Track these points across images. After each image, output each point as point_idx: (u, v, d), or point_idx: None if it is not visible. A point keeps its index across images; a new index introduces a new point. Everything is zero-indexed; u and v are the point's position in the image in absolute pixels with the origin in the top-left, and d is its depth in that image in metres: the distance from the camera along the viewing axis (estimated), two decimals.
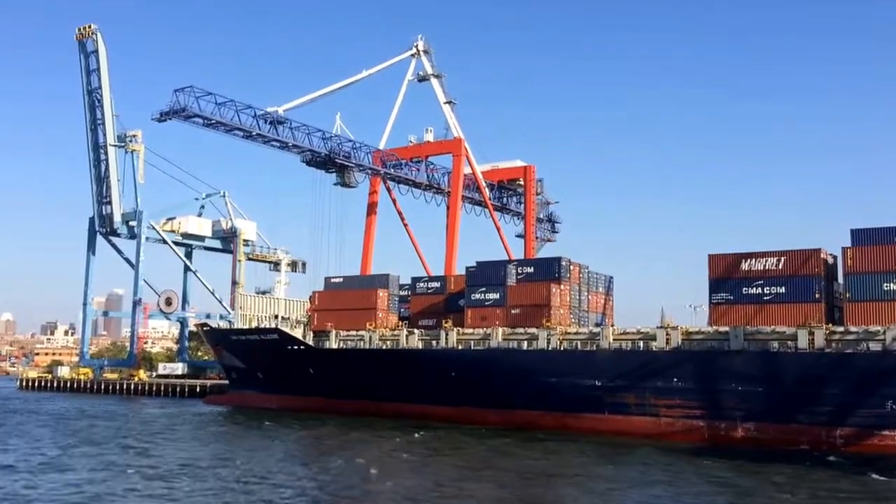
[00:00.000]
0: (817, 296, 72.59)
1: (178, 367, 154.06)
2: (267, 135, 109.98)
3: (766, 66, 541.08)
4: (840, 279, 75.41)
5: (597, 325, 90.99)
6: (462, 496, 44.76)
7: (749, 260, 75.78)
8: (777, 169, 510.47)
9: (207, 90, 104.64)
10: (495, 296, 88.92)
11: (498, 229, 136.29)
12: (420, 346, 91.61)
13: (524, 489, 47.51)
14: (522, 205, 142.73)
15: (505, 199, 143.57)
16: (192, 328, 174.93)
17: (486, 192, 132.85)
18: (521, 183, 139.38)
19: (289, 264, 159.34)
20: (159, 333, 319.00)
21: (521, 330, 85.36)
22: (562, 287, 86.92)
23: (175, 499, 42.69)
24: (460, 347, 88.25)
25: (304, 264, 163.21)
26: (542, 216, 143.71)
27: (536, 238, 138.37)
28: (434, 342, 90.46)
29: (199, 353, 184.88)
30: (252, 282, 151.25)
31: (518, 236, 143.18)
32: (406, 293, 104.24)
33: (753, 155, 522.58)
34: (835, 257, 75.35)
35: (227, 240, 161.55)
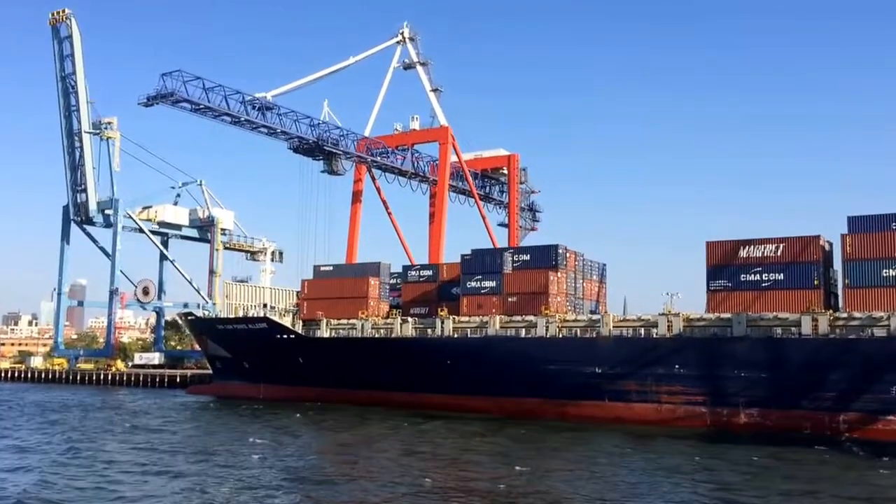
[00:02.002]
0: (816, 282, 72.74)
1: (155, 357, 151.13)
2: (255, 121, 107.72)
3: (762, 48, 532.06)
4: (836, 266, 75.87)
5: (592, 312, 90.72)
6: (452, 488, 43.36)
7: (747, 247, 75.75)
8: (770, 154, 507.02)
9: (195, 74, 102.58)
10: (491, 284, 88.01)
11: (483, 218, 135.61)
12: (415, 334, 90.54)
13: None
14: (505, 194, 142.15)
15: (488, 188, 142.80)
16: (168, 318, 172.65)
17: (472, 180, 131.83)
18: (505, 172, 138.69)
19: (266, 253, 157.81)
20: (126, 323, 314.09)
21: (518, 317, 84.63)
22: (559, 275, 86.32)
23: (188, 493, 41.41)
24: (456, 336, 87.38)
25: (280, 253, 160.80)
26: (523, 205, 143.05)
27: (520, 227, 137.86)
28: (429, 330, 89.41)
29: (172, 343, 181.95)
30: (229, 271, 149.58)
31: (500, 225, 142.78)
32: (395, 281, 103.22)
33: (748, 143, 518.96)
34: (830, 244, 75.65)
35: (203, 229, 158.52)
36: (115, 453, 53.65)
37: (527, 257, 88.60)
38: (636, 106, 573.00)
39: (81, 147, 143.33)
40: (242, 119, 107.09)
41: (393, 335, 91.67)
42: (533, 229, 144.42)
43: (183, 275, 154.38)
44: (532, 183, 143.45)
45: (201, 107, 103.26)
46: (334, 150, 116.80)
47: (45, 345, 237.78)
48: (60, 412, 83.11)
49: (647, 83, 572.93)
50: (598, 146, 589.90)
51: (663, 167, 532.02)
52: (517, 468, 48.30)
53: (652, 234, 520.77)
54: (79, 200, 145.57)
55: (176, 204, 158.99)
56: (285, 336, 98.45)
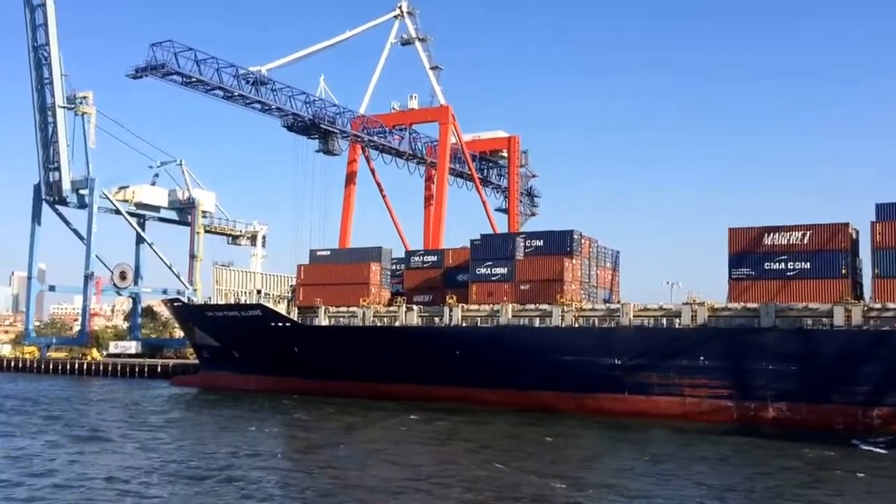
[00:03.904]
0: (844, 272, 73.03)
1: (132, 346, 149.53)
2: (249, 96, 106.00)
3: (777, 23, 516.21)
4: (861, 255, 76.26)
5: (605, 301, 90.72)
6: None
7: (772, 234, 75.86)
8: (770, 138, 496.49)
9: (186, 45, 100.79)
10: (502, 270, 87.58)
11: (484, 203, 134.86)
12: (421, 322, 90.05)
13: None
14: (503, 177, 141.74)
15: (485, 172, 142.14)
16: (144, 304, 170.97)
17: (472, 163, 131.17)
18: (505, 154, 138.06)
19: (248, 237, 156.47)
20: (93, 309, 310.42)
21: (532, 306, 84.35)
22: (574, 261, 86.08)
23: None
24: (465, 325, 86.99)
25: (263, 237, 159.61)
26: (521, 190, 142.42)
27: (519, 213, 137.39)
28: (436, 319, 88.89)
29: (146, 332, 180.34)
30: (210, 256, 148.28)
31: (497, 210, 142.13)
32: (395, 267, 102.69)
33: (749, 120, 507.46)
34: (857, 231, 75.84)
35: (183, 211, 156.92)
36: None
37: (539, 243, 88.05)
38: (645, 86, 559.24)
39: (55, 122, 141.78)
40: (236, 94, 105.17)
41: (397, 323, 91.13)
42: (533, 214, 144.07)
43: (162, 259, 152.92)
44: (533, 167, 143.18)
45: (193, 80, 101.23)
46: (331, 129, 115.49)
47: (6, 332, 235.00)
48: (49, 406, 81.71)
49: (657, 63, 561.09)
50: (603, 128, 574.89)
51: (672, 149, 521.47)
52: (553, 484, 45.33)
53: (660, 220, 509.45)
54: (51, 179, 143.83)
55: (154, 184, 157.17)
56: (280, 324, 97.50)
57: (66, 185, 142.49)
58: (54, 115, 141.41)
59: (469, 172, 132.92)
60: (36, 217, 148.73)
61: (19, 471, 44.54)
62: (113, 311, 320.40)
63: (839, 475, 47.23)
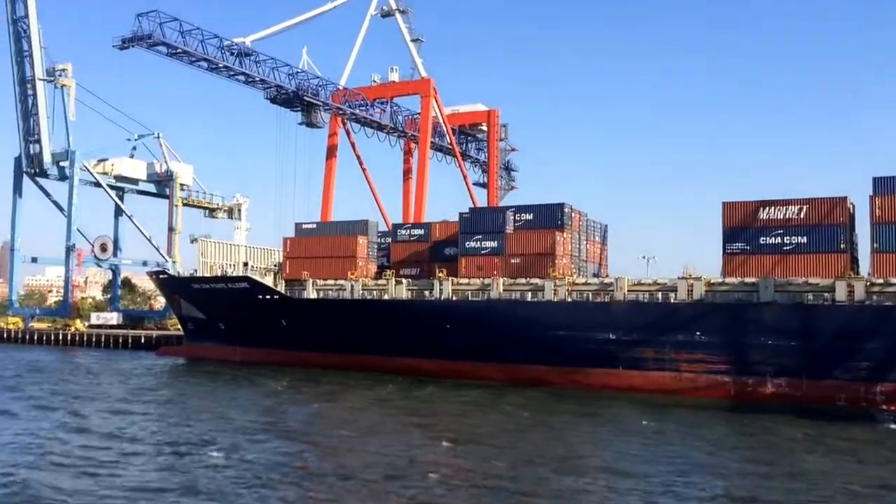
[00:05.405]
0: (842, 246, 68.48)
1: (113, 317, 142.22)
2: (233, 67, 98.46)
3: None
4: (857, 229, 71.81)
5: (594, 275, 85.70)
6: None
7: (768, 208, 71.04)
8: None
9: (172, 15, 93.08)
10: (492, 244, 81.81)
11: (464, 176, 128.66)
12: (410, 296, 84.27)
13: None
14: (482, 151, 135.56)
15: (464, 146, 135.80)
16: (123, 276, 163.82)
17: (453, 136, 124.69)
18: (484, 128, 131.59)
19: (225, 211, 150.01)
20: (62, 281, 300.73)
21: (523, 280, 78.87)
22: (565, 235, 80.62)
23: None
24: (455, 298, 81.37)
25: (239, 210, 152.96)
26: (500, 164, 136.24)
27: (498, 187, 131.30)
28: (426, 293, 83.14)
29: (125, 303, 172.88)
30: (187, 228, 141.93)
31: (475, 184, 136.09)
32: (380, 241, 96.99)
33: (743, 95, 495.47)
34: (853, 205, 71.23)
35: (161, 184, 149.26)
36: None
37: (529, 216, 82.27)
38: (626, 63, 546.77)
39: (35, 95, 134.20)
40: (220, 65, 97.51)
41: (386, 297, 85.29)
42: (512, 188, 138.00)
43: (142, 231, 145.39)
44: (512, 140, 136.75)
45: (178, 51, 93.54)
46: (314, 101, 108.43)
47: None
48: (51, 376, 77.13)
49: (641, 40, 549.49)
50: (581, 104, 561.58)
51: (646, 128, 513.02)
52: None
53: (642, 193, 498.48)
54: (32, 151, 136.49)
55: (132, 157, 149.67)
56: (268, 297, 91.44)
57: (47, 158, 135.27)
58: (34, 88, 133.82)
59: (448, 146, 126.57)
60: (17, 189, 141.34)
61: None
62: (86, 282, 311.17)
63: None
